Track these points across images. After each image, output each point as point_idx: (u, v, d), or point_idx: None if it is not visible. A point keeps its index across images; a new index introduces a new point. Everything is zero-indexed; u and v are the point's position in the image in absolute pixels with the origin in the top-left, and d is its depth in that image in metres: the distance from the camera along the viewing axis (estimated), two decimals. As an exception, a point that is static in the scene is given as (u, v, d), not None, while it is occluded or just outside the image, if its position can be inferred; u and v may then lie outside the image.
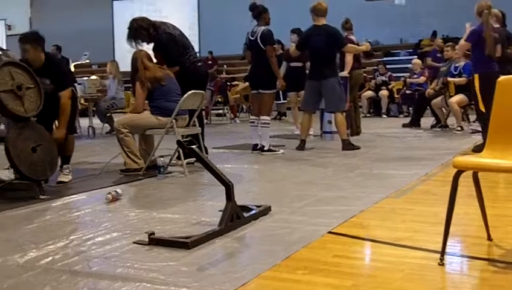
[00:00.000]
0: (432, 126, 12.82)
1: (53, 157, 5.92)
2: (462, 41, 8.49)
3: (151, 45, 7.84)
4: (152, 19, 7.98)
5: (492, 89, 3.66)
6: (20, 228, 4.46)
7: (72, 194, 5.74)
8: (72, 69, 14.83)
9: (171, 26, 7.88)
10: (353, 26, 11.24)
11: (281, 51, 13.37)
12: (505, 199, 5.41)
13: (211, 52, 23.43)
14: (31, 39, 6.26)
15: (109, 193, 5.40)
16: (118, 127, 6.99)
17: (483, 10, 8.04)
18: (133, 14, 9.53)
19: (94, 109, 13.62)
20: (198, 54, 8.50)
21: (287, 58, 11.70)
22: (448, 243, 3.37)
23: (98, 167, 7.35)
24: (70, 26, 26.28)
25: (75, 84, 7.36)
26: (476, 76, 8.17)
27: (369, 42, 10.51)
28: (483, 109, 7.92)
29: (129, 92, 12.29)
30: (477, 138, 9.33)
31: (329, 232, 4.10)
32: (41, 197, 5.52)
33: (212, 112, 17.96)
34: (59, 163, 6.37)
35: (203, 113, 8.79)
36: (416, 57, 18.67)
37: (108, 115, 12.91)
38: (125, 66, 7.50)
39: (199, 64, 8.07)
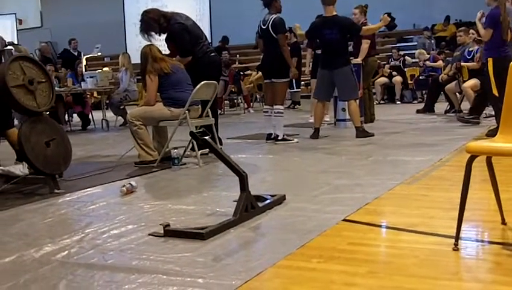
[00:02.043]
0: (446, 111, 12.77)
1: (67, 151, 5.93)
2: (483, 31, 8.28)
3: (164, 36, 7.86)
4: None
5: (506, 73, 3.63)
6: (36, 222, 4.49)
7: (86, 188, 5.74)
8: (84, 62, 14.85)
9: (184, 17, 7.88)
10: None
11: (295, 39, 13.34)
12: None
13: (223, 39, 23.34)
14: None
15: (124, 186, 5.41)
16: (131, 120, 6.99)
17: None
18: (144, 5, 9.55)
19: (107, 101, 13.69)
20: (210, 44, 8.47)
21: (311, 45, 11.64)
22: (462, 228, 3.35)
23: (112, 160, 7.38)
24: (81, 19, 26.30)
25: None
26: (490, 60, 8.11)
27: (388, 14, 10.00)
28: (496, 93, 7.88)
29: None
30: (492, 123, 9.28)
31: (344, 220, 4.10)
32: (56, 191, 5.53)
33: (226, 102, 17.92)
34: None
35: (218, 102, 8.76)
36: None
37: (121, 107, 12.95)
38: (137, 58, 7.50)
39: (212, 54, 8.06)
